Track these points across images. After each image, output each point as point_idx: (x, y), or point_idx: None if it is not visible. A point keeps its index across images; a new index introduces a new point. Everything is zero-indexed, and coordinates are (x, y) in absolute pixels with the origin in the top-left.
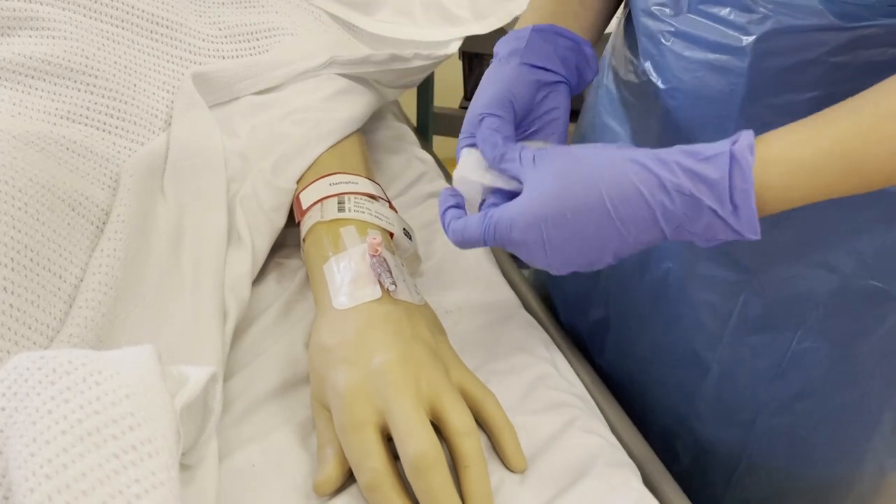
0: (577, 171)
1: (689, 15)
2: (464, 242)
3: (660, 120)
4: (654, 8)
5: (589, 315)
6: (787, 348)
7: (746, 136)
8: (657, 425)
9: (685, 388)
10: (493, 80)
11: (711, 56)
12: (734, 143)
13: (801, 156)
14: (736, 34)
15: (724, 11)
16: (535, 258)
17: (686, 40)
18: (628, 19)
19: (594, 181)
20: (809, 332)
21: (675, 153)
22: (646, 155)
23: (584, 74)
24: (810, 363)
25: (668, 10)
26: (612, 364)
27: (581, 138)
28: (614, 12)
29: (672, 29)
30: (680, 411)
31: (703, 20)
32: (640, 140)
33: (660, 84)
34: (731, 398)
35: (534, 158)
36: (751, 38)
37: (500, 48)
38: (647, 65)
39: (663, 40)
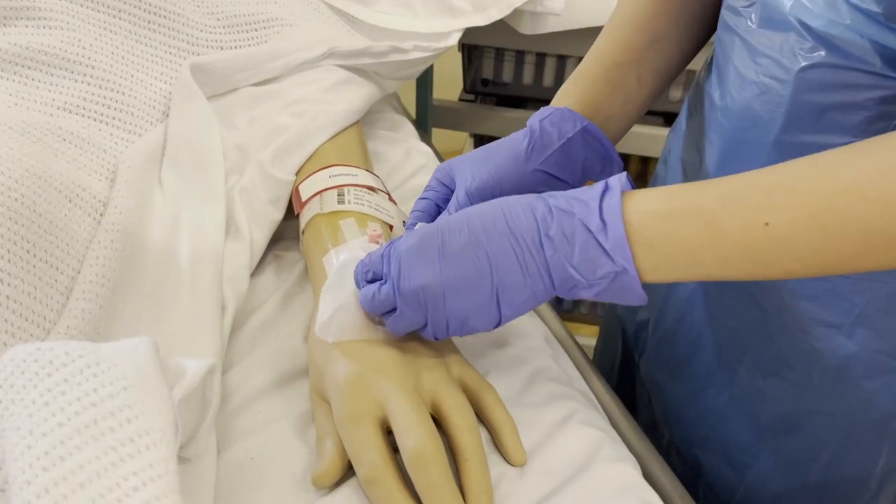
0: (472, 211)
1: (760, 29)
2: (380, 305)
3: (713, 141)
4: (740, 7)
5: (637, 315)
6: (793, 404)
7: (623, 174)
8: (667, 439)
9: (699, 413)
10: (498, 171)
11: (764, 78)
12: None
13: (669, 204)
14: (786, 60)
15: (785, 35)
16: (435, 308)
17: (749, 54)
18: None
19: (489, 212)
20: (816, 394)
21: (566, 192)
22: (541, 194)
23: (597, 178)
24: (813, 428)
25: (747, 21)
26: (647, 369)
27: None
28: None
29: (743, 38)
30: (689, 432)
31: (767, 37)
32: (693, 158)
33: (717, 99)
34: (735, 435)
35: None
36: (797, 66)
37: (534, 126)
38: (713, 76)
39: (732, 49)
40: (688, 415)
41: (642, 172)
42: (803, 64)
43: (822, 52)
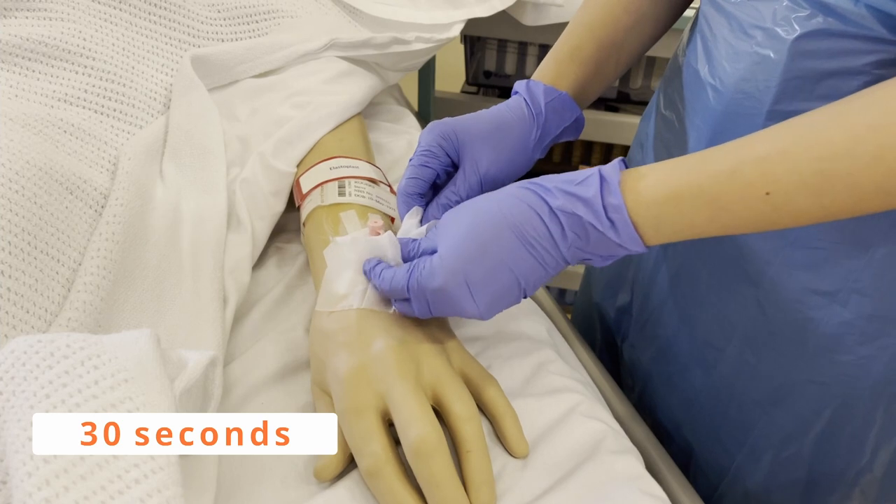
0: (480, 210)
1: (750, 2)
2: (390, 292)
3: (703, 116)
4: None
5: (617, 299)
6: (785, 377)
7: (616, 160)
8: (656, 422)
9: (686, 393)
10: (512, 163)
11: (757, 48)
12: (603, 165)
13: (668, 188)
14: (781, 30)
15: (775, 4)
16: (462, 303)
17: (739, 27)
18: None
19: (497, 213)
20: (810, 363)
21: (555, 180)
22: (533, 184)
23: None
24: (806, 399)
25: None
26: (630, 353)
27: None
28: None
29: (730, 12)
30: (677, 414)
31: (756, 8)
32: (681, 141)
33: (705, 75)
34: (725, 413)
35: (437, 225)
36: (794, 35)
37: (540, 112)
38: (699, 53)
39: (721, 24)
40: (674, 397)
41: (567, 155)
42: (799, 32)
43: (820, 19)
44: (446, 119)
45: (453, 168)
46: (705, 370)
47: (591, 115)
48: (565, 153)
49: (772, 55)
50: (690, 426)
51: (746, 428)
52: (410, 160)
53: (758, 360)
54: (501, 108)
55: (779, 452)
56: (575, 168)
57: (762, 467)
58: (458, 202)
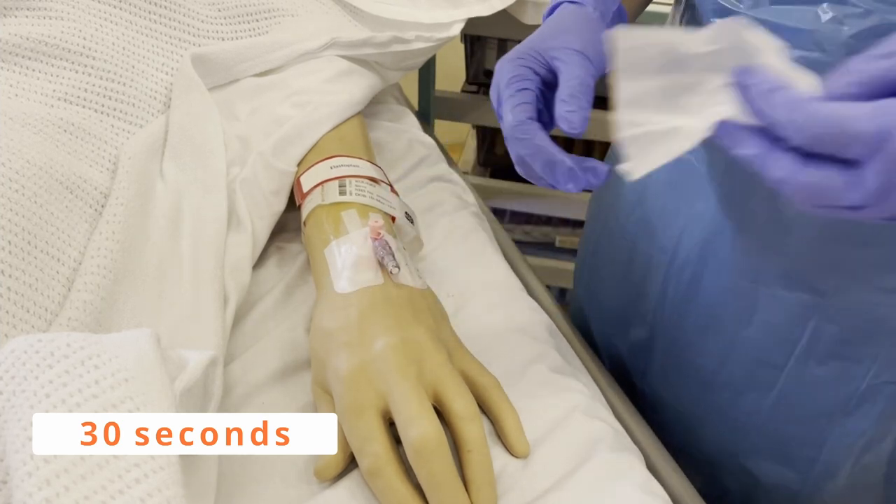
0: None
1: (773, 6)
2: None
3: None
4: (723, 1)
5: (629, 334)
6: (859, 382)
7: None
8: (702, 455)
9: (739, 421)
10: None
11: (796, 52)
12: None
13: None
14: (830, 27)
15: (813, 7)
16: None
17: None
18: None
19: None
20: (887, 365)
21: None
22: None
23: None
24: (885, 401)
25: (742, 4)
26: (655, 389)
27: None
28: None
29: (748, 15)
30: (731, 444)
31: (789, 10)
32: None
33: None
34: (791, 433)
35: None
36: (847, 33)
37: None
38: None
39: None
40: (723, 427)
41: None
42: (856, 29)
43: (878, 16)
44: (512, 50)
45: (544, 85)
46: (761, 392)
47: (591, 115)
48: (565, 152)
49: (821, 57)
50: (749, 454)
51: (817, 443)
52: (500, 101)
53: (825, 371)
54: (551, 19)
55: (857, 461)
56: None
57: (839, 481)
58: (587, 88)
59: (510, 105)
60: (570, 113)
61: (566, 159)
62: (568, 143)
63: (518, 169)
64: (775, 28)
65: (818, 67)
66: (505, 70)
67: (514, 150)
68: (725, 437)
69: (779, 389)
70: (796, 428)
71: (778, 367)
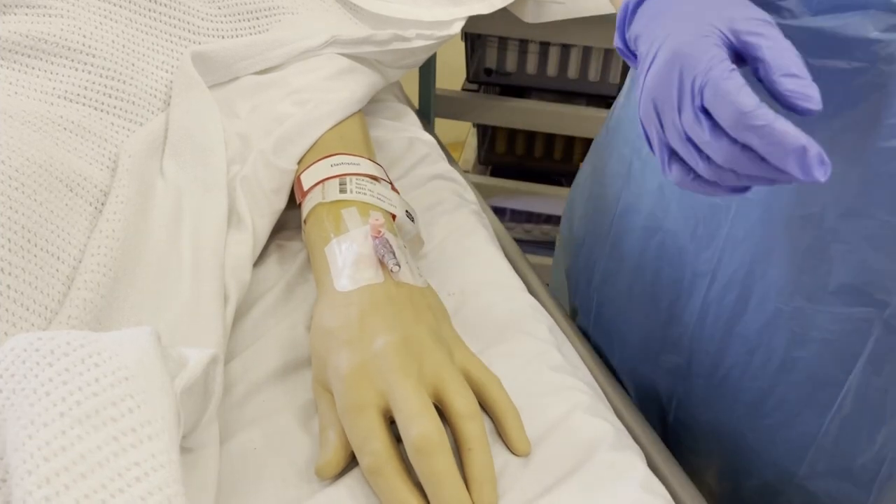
0: None
1: (815, 17)
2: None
3: None
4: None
5: (660, 362)
6: None
7: None
8: (756, 479)
9: (795, 441)
10: None
11: (840, 62)
12: None
13: None
14: (880, 35)
15: (860, 13)
16: None
17: (804, 46)
18: None
19: None
20: None
21: None
22: None
23: None
24: None
25: (784, 12)
26: (694, 415)
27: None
28: None
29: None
30: (786, 465)
31: (831, 21)
32: None
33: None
34: (851, 449)
35: None
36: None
37: None
38: None
39: None
40: (778, 450)
41: (569, 153)
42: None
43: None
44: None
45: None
46: (818, 411)
47: (592, 114)
48: (566, 151)
49: (869, 67)
50: (808, 475)
51: (881, 459)
52: (705, 84)
53: (889, 382)
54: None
55: None
56: (576, 167)
57: None
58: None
59: (731, 87)
60: (806, 87)
61: (814, 143)
62: (569, 143)
63: (720, 175)
64: (815, 36)
65: (865, 77)
66: (701, 47)
67: (749, 141)
68: (780, 459)
69: (838, 406)
70: (858, 445)
71: (838, 385)
